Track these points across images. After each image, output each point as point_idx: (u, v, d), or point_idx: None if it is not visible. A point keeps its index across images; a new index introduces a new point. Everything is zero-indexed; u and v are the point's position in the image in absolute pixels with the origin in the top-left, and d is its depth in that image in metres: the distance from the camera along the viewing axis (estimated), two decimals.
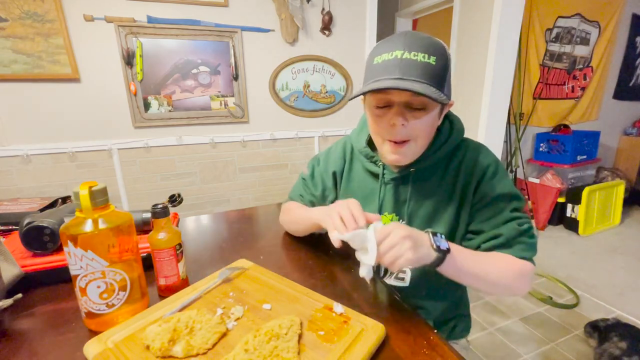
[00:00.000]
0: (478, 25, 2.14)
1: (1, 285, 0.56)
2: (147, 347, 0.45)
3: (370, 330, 0.49)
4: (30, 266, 0.64)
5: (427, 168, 0.68)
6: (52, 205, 0.91)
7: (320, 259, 0.76)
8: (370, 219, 0.56)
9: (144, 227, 0.76)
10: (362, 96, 0.66)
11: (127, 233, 0.53)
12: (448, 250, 0.54)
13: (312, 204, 0.84)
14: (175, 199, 0.94)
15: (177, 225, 0.91)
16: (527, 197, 2.69)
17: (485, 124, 2.14)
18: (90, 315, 0.51)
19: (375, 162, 0.73)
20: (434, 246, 0.52)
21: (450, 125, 0.69)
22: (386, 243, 0.50)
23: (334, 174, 0.81)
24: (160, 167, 2.06)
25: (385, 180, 0.72)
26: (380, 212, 0.74)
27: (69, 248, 0.48)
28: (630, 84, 3.39)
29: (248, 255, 0.77)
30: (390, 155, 0.64)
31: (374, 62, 0.59)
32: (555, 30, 2.74)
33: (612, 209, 2.81)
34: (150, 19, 1.82)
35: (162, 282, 0.61)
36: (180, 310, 0.53)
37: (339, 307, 0.54)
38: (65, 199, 0.97)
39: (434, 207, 0.69)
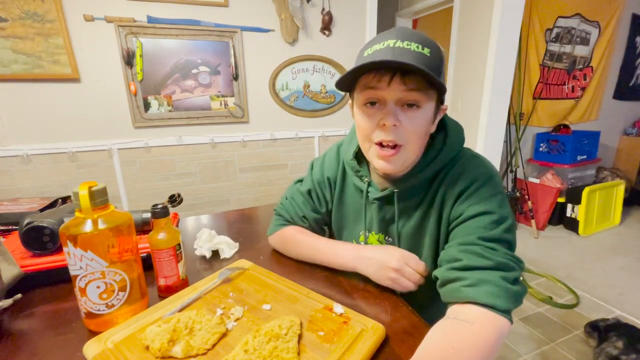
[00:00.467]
0: (478, 25, 2.14)
1: (1, 285, 0.56)
2: (147, 348, 0.45)
3: (370, 331, 0.49)
4: (30, 266, 0.64)
5: (411, 187, 0.63)
6: (52, 205, 0.91)
7: None
8: None
9: (143, 227, 0.76)
10: (350, 101, 0.63)
11: (126, 233, 0.53)
12: None
13: (317, 223, 0.78)
14: (175, 199, 0.94)
15: (177, 226, 0.91)
16: (527, 197, 2.69)
17: (485, 124, 2.14)
18: (90, 315, 0.51)
19: (361, 178, 0.68)
20: None
21: (443, 140, 0.62)
22: None
23: (329, 179, 0.76)
24: (160, 167, 2.06)
25: (370, 199, 0.68)
26: (367, 230, 0.71)
27: (69, 248, 0.48)
28: (630, 84, 3.39)
29: (248, 256, 0.77)
30: (378, 161, 0.59)
31: (364, 54, 0.55)
32: (555, 30, 2.74)
33: (612, 209, 2.81)
34: (150, 19, 1.82)
35: (161, 282, 0.61)
36: (180, 310, 0.53)
37: (339, 308, 0.54)
38: (65, 199, 0.97)
39: (419, 227, 0.65)
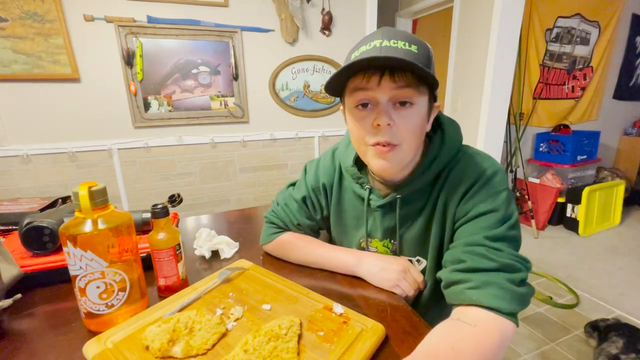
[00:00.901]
0: (478, 25, 2.14)
1: (1, 285, 0.56)
2: (147, 348, 0.45)
3: (370, 331, 0.49)
4: (30, 266, 0.64)
5: (414, 191, 0.62)
6: (52, 205, 0.91)
7: None
8: None
9: (143, 227, 0.76)
10: (341, 106, 0.62)
11: (126, 233, 0.53)
12: None
13: (312, 229, 0.77)
14: (174, 199, 0.94)
15: (176, 226, 0.91)
16: (527, 197, 2.69)
17: (485, 124, 2.14)
18: (90, 315, 0.51)
19: (362, 185, 0.67)
20: None
21: (441, 139, 0.61)
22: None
23: (324, 186, 0.73)
24: (160, 167, 2.06)
25: (372, 207, 0.66)
26: (368, 237, 0.71)
27: (69, 248, 0.48)
28: (630, 84, 3.39)
29: (248, 256, 0.77)
30: (375, 161, 0.57)
31: (352, 57, 0.54)
32: (555, 30, 2.74)
33: (612, 209, 2.81)
34: (150, 19, 1.82)
35: (161, 282, 0.61)
36: (180, 310, 0.53)
37: (338, 308, 0.54)
38: (65, 199, 0.97)
39: (424, 232, 0.64)
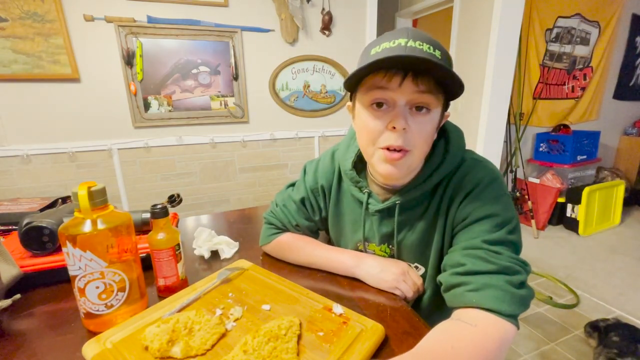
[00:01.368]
0: (478, 25, 2.14)
1: (0, 285, 0.56)
2: (146, 348, 0.45)
3: (369, 331, 0.49)
4: (29, 266, 0.64)
5: (413, 198, 0.62)
6: (52, 205, 0.91)
7: None
8: None
9: (143, 228, 0.76)
10: (349, 102, 0.61)
11: (126, 233, 0.53)
12: None
13: (310, 230, 0.76)
14: (174, 199, 0.94)
15: (176, 226, 0.91)
16: (527, 197, 2.68)
17: (485, 124, 2.14)
18: (89, 315, 0.51)
19: (360, 189, 0.66)
20: None
21: (445, 147, 0.60)
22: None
23: (322, 187, 0.73)
24: (160, 167, 2.06)
25: (370, 211, 0.65)
26: (365, 241, 0.70)
27: (68, 248, 0.48)
28: (630, 84, 3.39)
29: (248, 256, 0.77)
30: (382, 166, 0.55)
31: (371, 52, 0.52)
32: (555, 30, 2.73)
33: (612, 209, 2.81)
34: (150, 19, 1.82)
35: (161, 282, 0.61)
36: (179, 310, 0.53)
37: (338, 308, 0.54)
38: (65, 199, 0.97)
39: (425, 238, 0.64)
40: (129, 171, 2.00)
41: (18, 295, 0.57)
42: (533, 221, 2.64)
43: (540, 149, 2.94)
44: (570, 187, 2.78)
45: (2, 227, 0.82)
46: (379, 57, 0.47)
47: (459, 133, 0.63)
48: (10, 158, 1.76)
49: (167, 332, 0.46)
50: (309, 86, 2.25)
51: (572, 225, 2.69)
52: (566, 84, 2.95)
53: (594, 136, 2.89)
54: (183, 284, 0.63)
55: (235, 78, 2.06)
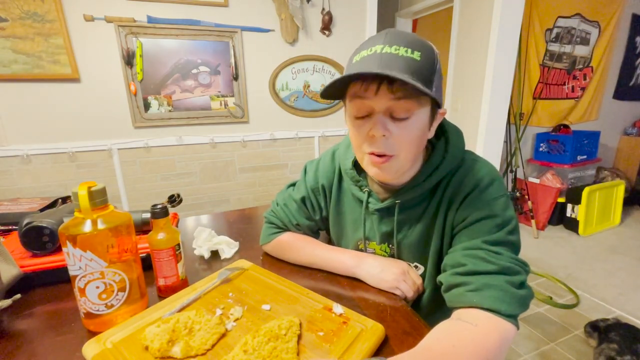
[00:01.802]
0: (478, 25, 2.14)
1: (0, 285, 0.56)
2: (146, 348, 0.45)
3: (369, 331, 0.49)
4: (30, 266, 0.64)
5: (413, 197, 0.62)
6: (52, 205, 0.91)
7: None
8: None
9: (143, 228, 0.76)
10: (344, 107, 0.61)
11: (126, 233, 0.53)
12: None
13: (310, 229, 0.77)
14: (174, 199, 0.94)
15: (176, 226, 0.91)
16: (527, 197, 2.68)
17: (485, 124, 2.14)
18: (89, 315, 0.51)
19: (360, 188, 0.67)
20: None
21: (445, 148, 0.60)
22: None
23: (323, 187, 0.73)
24: (160, 167, 2.06)
25: (370, 210, 0.66)
26: (366, 240, 0.70)
27: (68, 248, 0.48)
28: (630, 84, 3.39)
29: (248, 256, 0.77)
30: (371, 169, 0.57)
31: (352, 61, 0.52)
32: (555, 30, 2.74)
33: (612, 209, 2.81)
34: (150, 19, 1.82)
35: (161, 282, 0.61)
36: (180, 310, 0.53)
37: (338, 308, 0.54)
38: (65, 199, 0.97)
39: (424, 237, 0.64)
40: (129, 171, 2.00)
41: (18, 295, 0.57)
42: (533, 221, 2.64)
43: (540, 149, 2.94)
44: (570, 187, 2.78)
45: (2, 227, 0.82)
46: (354, 70, 0.49)
47: (458, 133, 0.63)
48: (10, 158, 1.76)
49: (167, 332, 0.46)
50: (309, 86, 2.25)
51: (572, 225, 2.69)
52: (566, 84, 2.95)
53: (594, 136, 2.89)
54: (183, 284, 0.63)
55: (235, 78, 2.06)
